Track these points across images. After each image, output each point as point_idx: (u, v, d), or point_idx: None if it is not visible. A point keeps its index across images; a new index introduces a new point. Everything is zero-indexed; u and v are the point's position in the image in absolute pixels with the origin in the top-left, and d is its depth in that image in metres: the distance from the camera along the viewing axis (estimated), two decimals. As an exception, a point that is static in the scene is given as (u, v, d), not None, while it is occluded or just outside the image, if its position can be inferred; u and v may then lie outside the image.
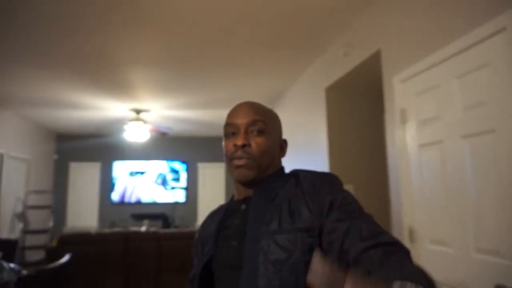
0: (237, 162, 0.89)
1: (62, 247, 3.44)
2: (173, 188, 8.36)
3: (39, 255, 6.20)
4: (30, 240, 6.20)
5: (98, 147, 7.98)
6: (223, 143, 0.96)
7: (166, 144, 8.23)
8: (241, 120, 0.92)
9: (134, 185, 8.18)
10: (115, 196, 8.08)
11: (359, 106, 3.54)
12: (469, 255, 1.68)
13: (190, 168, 8.50)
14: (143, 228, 5.73)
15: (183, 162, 8.45)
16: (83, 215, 7.80)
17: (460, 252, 1.74)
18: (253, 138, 0.91)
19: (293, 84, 4.57)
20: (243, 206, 0.91)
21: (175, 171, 8.42)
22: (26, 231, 6.16)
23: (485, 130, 1.61)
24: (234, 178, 0.93)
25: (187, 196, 8.37)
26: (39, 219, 6.62)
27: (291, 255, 0.76)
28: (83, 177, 7.98)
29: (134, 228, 5.87)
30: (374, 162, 3.34)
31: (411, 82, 2.16)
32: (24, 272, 2.50)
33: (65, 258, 2.66)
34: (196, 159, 8.55)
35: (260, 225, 0.82)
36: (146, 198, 8.18)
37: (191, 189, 8.45)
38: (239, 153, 0.88)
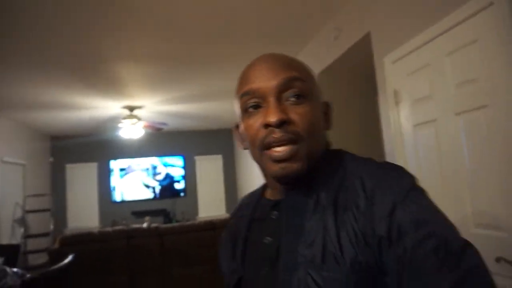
0: (277, 152, 0.57)
1: (64, 248, 3.45)
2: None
3: (42, 258, 6.21)
4: (32, 244, 6.20)
5: (94, 147, 7.94)
6: (242, 125, 0.64)
7: (162, 140, 8.21)
8: (267, 83, 0.60)
9: (133, 183, 8.17)
10: (114, 195, 8.08)
11: (353, 90, 3.53)
12: (468, 230, 1.69)
13: (188, 162, 8.50)
14: (145, 225, 5.73)
15: (179, 155, 8.44)
16: (84, 216, 7.80)
17: (459, 227, 1.75)
18: (291, 108, 0.59)
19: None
20: (275, 214, 0.63)
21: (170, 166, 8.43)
22: (27, 236, 6.16)
23: (478, 106, 1.61)
24: (273, 176, 0.61)
25: (187, 190, 8.39)
26: (40, 223, 6.61)
27: None
28: (81, 178, 7.96)
29: (135, 225, 5.88)
30: (370, 146, 3.35)
31: (402, 62, 2.16)
32: (28, 275, 2.50)
33: (68, 258, 2.66)
34: (193, 153, 8.55)
35: (297, 244, 0.56)
36: (144, 195, 8.19)
37: (190, 182, 8.47)
38: (277, 135, 0.57)
